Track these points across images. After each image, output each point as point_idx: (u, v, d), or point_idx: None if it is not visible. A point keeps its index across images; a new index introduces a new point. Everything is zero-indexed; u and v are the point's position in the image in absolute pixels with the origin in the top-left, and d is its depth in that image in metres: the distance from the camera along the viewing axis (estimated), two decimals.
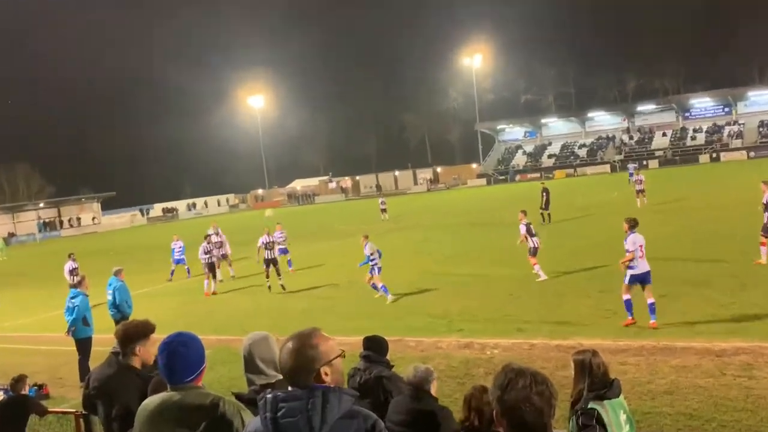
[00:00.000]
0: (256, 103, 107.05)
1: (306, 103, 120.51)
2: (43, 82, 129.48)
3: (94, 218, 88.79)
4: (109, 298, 13.49)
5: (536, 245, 17.09)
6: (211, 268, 21.02)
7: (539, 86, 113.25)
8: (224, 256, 23.54)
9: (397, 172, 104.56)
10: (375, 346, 5.81)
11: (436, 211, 47.17)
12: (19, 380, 7.99)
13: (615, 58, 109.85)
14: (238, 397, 3.38)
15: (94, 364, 8.62)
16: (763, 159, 66.84)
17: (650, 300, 11.36)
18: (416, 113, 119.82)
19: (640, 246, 11.40)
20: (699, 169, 66.23)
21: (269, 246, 19.41)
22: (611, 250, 12.04)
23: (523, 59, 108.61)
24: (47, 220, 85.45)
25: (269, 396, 2.58)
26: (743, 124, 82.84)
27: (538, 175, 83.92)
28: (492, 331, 12.22)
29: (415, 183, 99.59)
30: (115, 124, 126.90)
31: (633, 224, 11.65)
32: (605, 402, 4.37)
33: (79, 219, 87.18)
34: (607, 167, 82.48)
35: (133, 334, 4.43)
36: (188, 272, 25.06)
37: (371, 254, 16.39)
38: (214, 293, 20.48)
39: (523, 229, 17.38)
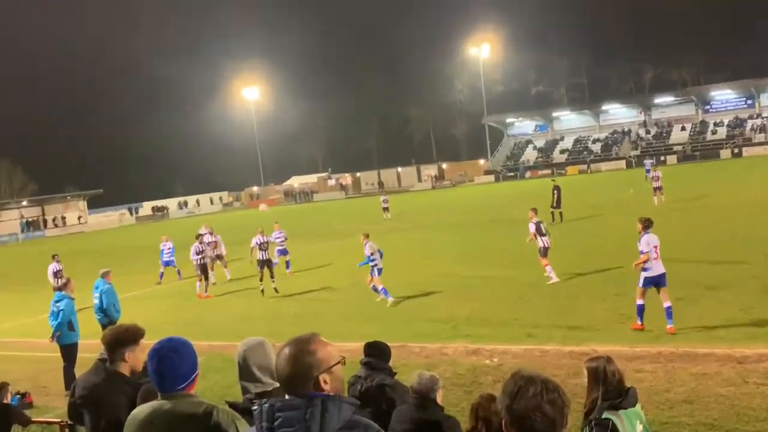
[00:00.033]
0: (250, 95, 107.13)
1: (304, 95, 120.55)
2: (25, 75, 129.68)
3: (80, 217, 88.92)
4: (96, 301, 13.50)
5: (546, 245, 17.11)
6: (203, 269, 21.03)
7: (550, 77, 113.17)
8: (219, 257, 23.55)
9: (400, 169, 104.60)
10: (377, 353, 5.81)
11: (441, 210, 47.16)
12: (0, 388, 8.00)
13: (631, 48, 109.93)
14: (233, 405, 3.38)
15: (79, 371, 8.63)
16: None
17: (666, 304, 11.37)
18: (420, 106, 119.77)
19: (655, 247, 11.43)
20: (720, 165, 66.13)
21: (263, 246, 19.41)
22: (627, 250, 12.04)
23: (534, 49, 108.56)
24: (30, 220, 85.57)
25: (265, 405, 2.58)
26: (767, 117, 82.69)
27: (549, 171, 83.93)
28: (501, 337, 12.22)
29: (419, 180, 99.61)
30: (102, 119, 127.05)
31: (647, 224, 11.68)
32: (620, 412, 4.36)
33: (64, 218, 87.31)
34: (623, 163, 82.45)
35: (122, 338, 4.43)
36: (179, 275, 25.09)
37: (371, 254, 16.40)
38: (207, 296, 20.50)
39: (532, 227, 17.39)
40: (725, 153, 77.51)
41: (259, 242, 19.49)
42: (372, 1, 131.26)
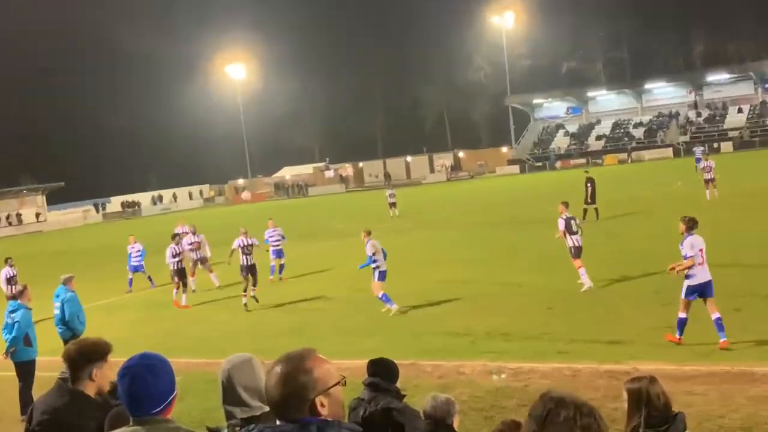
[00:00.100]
0: (235, 73, 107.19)
1: (297, 73, 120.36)
2: None
3: (37, 214, 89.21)
4: (57, 312, 13.55)
5: (577, 244, 17.13)
6: (181, 274, 21.05)
7: (585, 51, 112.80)
8: (202, 261, 23.58)
9: (409, 158, 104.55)
10: (383, 372, 5.82)
11: (457, 206, 47.13)
12: None
13: (679, 17, 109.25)
14: None
15: (38, 392, 8.66)
16: None
17: (715, 315, 11.43)
18: (433, 85, 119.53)
19: (700, 250, 11.50)
20: None
21: (247, 250, 19.30)
22: (675, 252, 12.02)
23: (566, 18, 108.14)
24: None
25: None
26: None
27: (583, 160, 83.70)
28: (526, 354, 12.22)
29: (432, 171, 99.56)
30: (63, 100, 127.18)
31: (691, 224, 11.76)
32: None
33: (19, 215, 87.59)
34: (669, 151, 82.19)
35: (89, 354, 4.44)
36: (151, 281, 25.14)
37: (373, 254, 16.43)
38: (185, 306, 20.54)
39: (561, 223, 17.40)
40: None
41: (242, 244, 19.37)
42: None
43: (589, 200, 30.37)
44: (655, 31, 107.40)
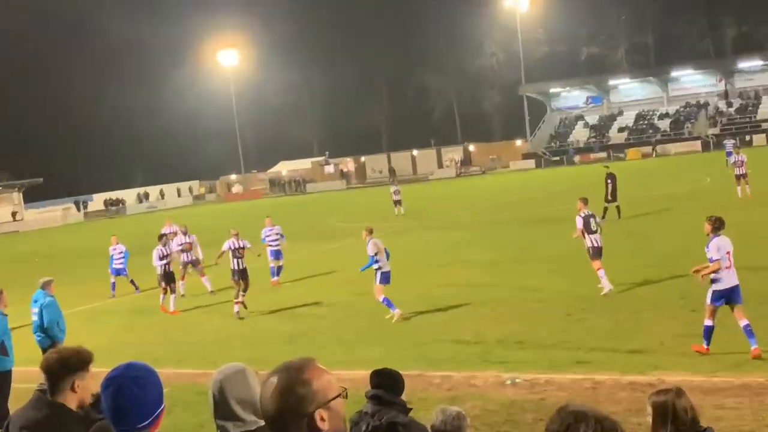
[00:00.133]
0: (228, 59, 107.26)
1: (295, 60, 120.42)
2: None
3: (14, 213, 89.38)
4: (35, 318, 13.58)
5: (596, 244, 17.15)
6: (169, 278, 21.05)
7: (607, 36, 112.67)
8: (194, 264, 23.59)
9: (415, 152, 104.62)
10: (387, 383, 5.82)
11: (467, 204, 47.13)
12: None
13: None
14: None
15: (14, 405, 8.69)
16: None
17: (743, 322, 11.46)
18: (441, 74, 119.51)
19: (728, 253, 11.52)
20: None
21: (238, 253, 19.26)
22: (704, 254, 12.01)
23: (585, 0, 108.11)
24: None
25: None
26: None
27: (604, 155, 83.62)
28: (543, 364, 12.22)
29: (440, 166, 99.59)
30: (41, 90, 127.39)
31: (717, 225, 11.78)
32: None
33: None
34: (698, 144, 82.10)
35: (71, 363, 4.44)
36: (134, 286, 25.15)
37: (375, 254, 16.44)
38: (173, 312, 20.57)
39: (579, 222, 17.43)
40: None
41: (233, 247, 19.31)
42: None
43: (609, 198, 30.35)
44: (683, 13, 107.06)
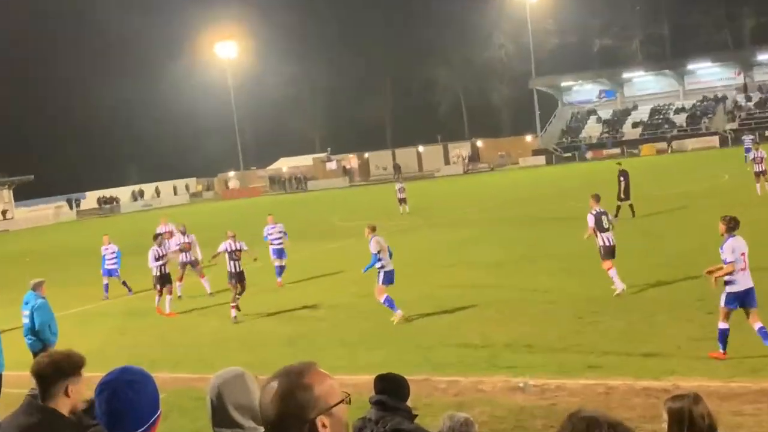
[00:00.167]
0: (225, 52, 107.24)
1: (295, 53, 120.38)
2: None
3: (4, 211, 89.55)
4: (26, 321, 13.60)
5: (608, 243, 17.15)
6: (165, 280, 21.04)
7: (620, 27, 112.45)
8: (193, 264, 23.61)
9: (421, 148, 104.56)
10: (391, 389, 5.82)
11: (475, 202, 47.12)
12: None
13: None
14: None
15: (4, 411, 8.71)
16: None
17: (758, 324, 11.51)
18: (448, 67, 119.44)
19: (742, 254, 11.54)
20: None
21: (235, 256, 19.22)
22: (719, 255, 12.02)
23: None
24: None
25: None
26: None
27: (618, 151, 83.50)
28: (553, 368, 12.23)
29: (447, 162, 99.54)
30: (33, 84, 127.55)
31: (732, 225, 11.81)
32: None
33: None
34: (715, 140, 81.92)
35: (64, 367, 4.44)
36: (127, 287, 25.14)
37: (378, 251, 16.46)
38: (170, 314, 20.59)
39: (591, 219, 17.45)
40: None
41: (229, 249, 19.25)
42: None
43: (622, 196, 30.33)
44: (699, 3, 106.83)
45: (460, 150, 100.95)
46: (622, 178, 30.49)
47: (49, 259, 41.11)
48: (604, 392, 10.87)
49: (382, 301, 16.66)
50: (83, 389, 4.43)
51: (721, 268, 11.64)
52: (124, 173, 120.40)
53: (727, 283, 11.62)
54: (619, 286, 16.76)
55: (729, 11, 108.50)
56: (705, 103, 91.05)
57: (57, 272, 30.87)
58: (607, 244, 17.18)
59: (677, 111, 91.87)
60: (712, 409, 4.67)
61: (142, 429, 3.36)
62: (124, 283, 25.17)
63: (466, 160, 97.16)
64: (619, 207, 29.66)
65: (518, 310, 16.60)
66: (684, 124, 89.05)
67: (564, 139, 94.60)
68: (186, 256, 23.47)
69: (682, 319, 14.21)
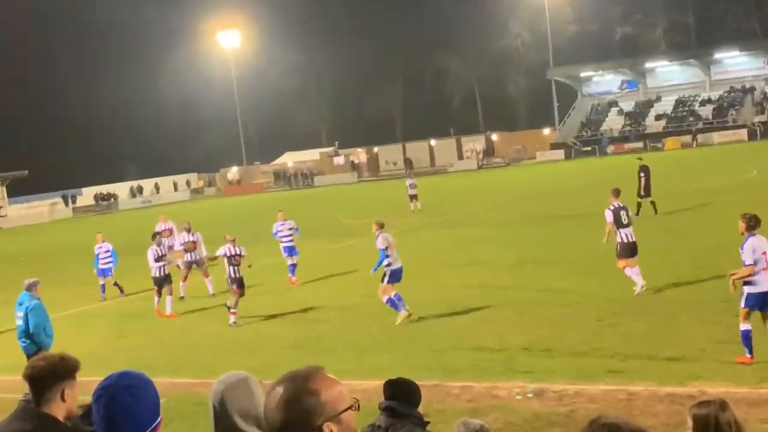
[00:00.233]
0: (228, 41, 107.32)
1: (301, 42, 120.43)
2: None
3: None
4: (20, 323, 13.64)
5: (629, 239, 17.13)
6: (164, 281, 21.05)
7: (643, 14, 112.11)
8: (198, 263, 23.64)
9: (433, 142, 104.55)
10: (402, 394, 5.83)
11: (490, 198, 47.10)
12: None
13: None
14: None
15: None
16: None
17: None
18: (461, 57, 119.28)
19: (764, 253, 11.52)
20: None
21: (234, 261, 19.19)
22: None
23: None
24: None
25: None
26: None
27: (640, 144, 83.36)
28: (571, 373, 12.22)
29: (461, 157, 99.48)
30: (27, 75, 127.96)
31: (753, 223, 11.80)
32: None
33: None
34: (743, 133, 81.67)
35: (59, 370, 4.46)
36: (119, 289, 25.13)
37: (386, 248, 16.48)
38: (170, 315, 20.63)
39: (609, 215, 17.45)
40: None
41: (228, 254, 19.21)
42: None
43: (642, 192, 30.26)
44: None
45: (474, 144, 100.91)
46: (642, 174, 30.42)
47: (44, 258, 41.24)
48: (626, 398, 10.86)
49: (385, 301, 16.69)
50: (78, 393, 4.44)
51: (741, 271, 11.63)
52: (122, 168, 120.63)
53: (747, 283, 11.60)
54: (639, 282, 16.75)
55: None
56: (732, 94, 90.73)
57: (52, 272, 30.98)
58: (625, 240, 17.16)
59: (703, 102, 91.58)
60: (740, 417, 4.66)
61: None
62: (116, 284, 25.13)
63: (481, 155, 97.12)
64: (639, 204, 29.60)
65: (535, 311, 16.58)
66: (710, 117, 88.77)
67: (583, 133, 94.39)
68: (191, 256, 23.52)
69: (707, 321, 14.17)
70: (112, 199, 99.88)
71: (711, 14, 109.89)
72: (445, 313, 17.15)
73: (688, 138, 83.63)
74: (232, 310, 18.94)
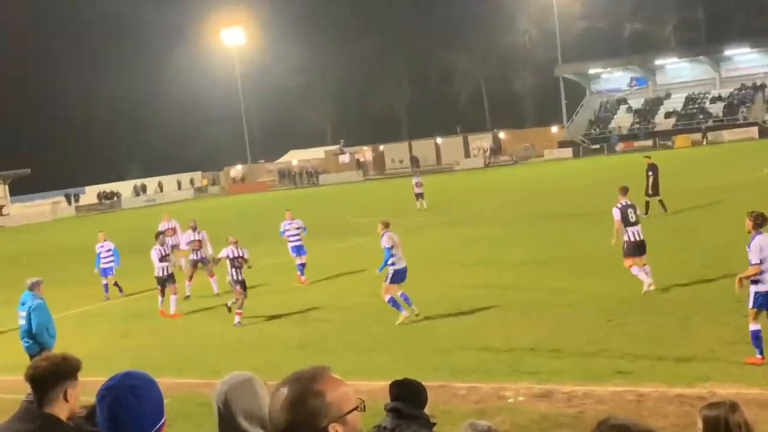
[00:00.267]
0: (232, 38, 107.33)
1: (306, 39, 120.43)
2: None
3: (0, 207, 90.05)
4: (22, 323, 13.66)
5: (637, 238, 17.12)
6: (168, 280, 21.06)
7: (652, 10, 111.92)
8: (203, 262, 23.67)
9: (439, 140, 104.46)
10: (408, 395, 5.83)
11: (497, 197, 47.07)
12: None
13: None
14: None
15: (0, 418, 8.76)
16: None
17: None
18: (468, 54, 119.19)
19: None
20: None
21: (237, 263, 19.18)
22: None
23: None
24: None
25: None
26: None
27: (650, 142, 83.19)
28: (580, 374, 12.21)
29: (467, 155, 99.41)
30: (30, 73, 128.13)
31: (760, 221, 11.78)
32: None
33: None
34: (754, 131, 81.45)
35: (63, 370, 4.47)
36: (119, 288, 25.15)
37: (391, 247, 16.49)
38: (174, 315, 20.65)
39: (616, 213, 17.44)
40: None
41: (231, 256, 19.20)
42: None
43: (650, 191, 30.20)
44: None
45: (481, 142, 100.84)
46: (650, 173, 30.38)
47: (47, 257, 41.31)
48: (635, 399, 10.85)
49: (387, 300, 16.71)
50: (80, 394, 4.45)
51: (747, 271, 11.62)
52: (125, 167, 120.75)
53: (754, 282, 11.59)
54: (645, 281, 16.75)
55: None
56: (743, 91, 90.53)
57: (55, 271, 31.01)
58: (632, 239, 17.14)
59: (713, 100, 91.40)
60: (750, 418, 4.66)
61: None
62: (115, 283, 25.17)
63: (488, 153, 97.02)
64: (647, 203, 29.56)
65: (542, 311, 16.56)
66: (720, 114, 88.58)
67: (592, 130, 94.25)
68: (196, 254, 23.55)
69: (717, 322, 14.14)
70: (115, 198, 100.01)
71: (721, 10, 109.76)
72: (452, 312, 17.16)
73: (698, 136, 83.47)
74: (237, 311, 18.97)
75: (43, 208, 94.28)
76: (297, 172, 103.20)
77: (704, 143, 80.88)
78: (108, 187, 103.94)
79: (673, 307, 15.69)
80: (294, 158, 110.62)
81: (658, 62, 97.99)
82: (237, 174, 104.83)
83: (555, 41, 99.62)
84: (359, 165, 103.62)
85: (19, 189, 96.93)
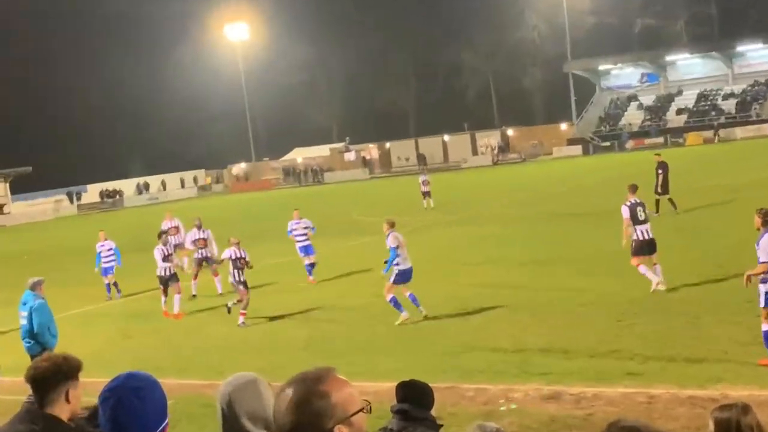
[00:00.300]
0: (236, 34, 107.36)
1: (311, 35, 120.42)
2: None
3: (1, 206, 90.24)
4: (24, 322, 13.69)
5: (646, 236, 17.11)
6: (170, 280, 21.08)
7: (664, 6, 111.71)
8: (208, 260, 23.70)
9: (447, 137, 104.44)
10: (414, 396, 5.83)
11: (505, 195, 47.04)
12: None
13: None
14: None
15: (0, 419, 8.77)
16: None
17: None
18: (476, 50, 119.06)
19: None
20: None
21: (239, 264, 19.24)
22: None
23: None
24: None
25: None
26: None
27: (661, 140, 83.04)
28: (590, 375, 12.21)
29: (475, 153, 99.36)
30: (31, 70, 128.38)
31: None
32: None
33: None
34: (767, 128, 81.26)
35: (65, 371, 4.48)
36: (117, 289, 25.22)
37: (396, 246, 16.50)
38: (177, 315, 20.68)
39: (625, 211, 17.42)
40: None
41: (233, 257, 19.26)
42: None
43: (659, 189, 30.14)
44: None
45: (489, 139, 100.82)
46: (660, 171, 30.33)
47: (49, 256, 41.39)
48: (646, 401, 10.83)
49: (388, 299, 16.74)
50: (81, 394, 4.46)
51: (756, 269, 11.61)
52: (127, 165, 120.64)
53: (764, 281, 11.55)
54: (654, 280, 16.74)
55: None
56: (756, 88, 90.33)
57: (57, 271, 31.06)
58: (641, 238, 17.12)
59: (726, 96, 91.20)
60: (763, 420, 4.65)
61: None
62: (114, 283, 25.20)
63: (496, 150, 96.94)
64: (657, 201, 29.51)
65: (552, 312, 16.55)
66: (733, 111, 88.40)
67: (602, 128, 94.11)
68: (201, 253, 23.59)
69: (729, 322, 14.12)
70: (118, 196, 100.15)
71: (734, 5, 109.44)
72: (459, 312, 17.17)
73: (710, 133, 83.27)
74: (242, 311, 19.02)
75: (44, 206, 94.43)
76: (302, 170, 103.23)
77: (716, 141, 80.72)
78: (110, 185, 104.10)
79: (684, 307, 15.67)
80: (299, 156, 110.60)
81: (669, 58, 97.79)
82: (241, 172, 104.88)
83: (564, 37, 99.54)
84: (365, 163, 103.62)
85: (21, 187, 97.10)
